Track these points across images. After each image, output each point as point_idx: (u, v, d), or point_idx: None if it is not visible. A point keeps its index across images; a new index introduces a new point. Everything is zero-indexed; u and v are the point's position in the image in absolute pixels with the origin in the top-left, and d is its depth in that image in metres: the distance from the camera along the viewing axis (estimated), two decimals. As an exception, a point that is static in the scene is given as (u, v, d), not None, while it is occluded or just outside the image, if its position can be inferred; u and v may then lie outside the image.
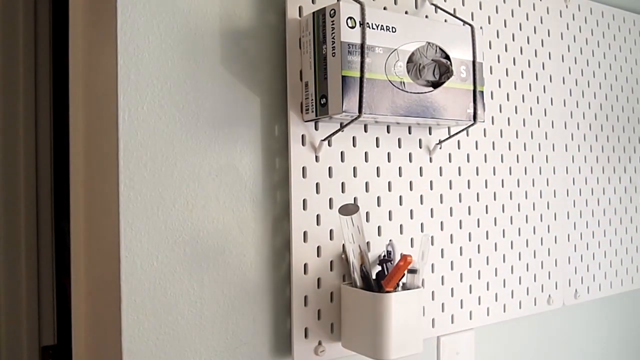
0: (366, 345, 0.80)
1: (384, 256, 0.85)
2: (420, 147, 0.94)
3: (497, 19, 1.06)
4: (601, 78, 1.24)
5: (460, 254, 0.99)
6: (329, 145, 0.84)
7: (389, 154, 0.91)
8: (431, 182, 0.95)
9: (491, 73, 1.04)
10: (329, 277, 0.84)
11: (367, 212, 0.88)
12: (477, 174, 1.02)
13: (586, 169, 1.20)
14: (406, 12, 0.93)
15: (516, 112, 1.08)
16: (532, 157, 1.10)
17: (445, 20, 0.96)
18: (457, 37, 0.86)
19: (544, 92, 1.13)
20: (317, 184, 0.83)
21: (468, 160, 1.00)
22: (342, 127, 0.83)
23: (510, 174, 1.07)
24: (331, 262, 0.84)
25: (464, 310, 0.99)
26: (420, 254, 0.83)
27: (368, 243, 0.87)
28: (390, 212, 0.90)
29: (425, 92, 0.82)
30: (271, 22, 0.81)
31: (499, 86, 1.05)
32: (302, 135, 0.82)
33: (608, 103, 1.26)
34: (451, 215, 0.98)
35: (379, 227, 0.89)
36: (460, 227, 0.99)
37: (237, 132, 0.78)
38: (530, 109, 1.10)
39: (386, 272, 0.81)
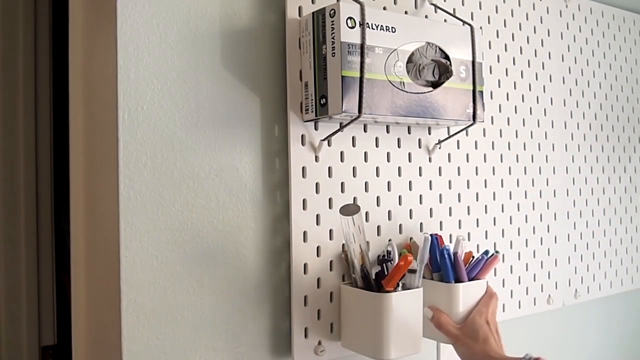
0: (366, 345, 0.80)
1: (384, 256, 0.85)
2: (420, 147, 0.94)
3: (497, 19, 1.06)
4: (601, 78, 1.24)
5: (460, 254, 0.99)
6: (329, 145, 0.85)
7: (388, 153, 0.91)
8: (430, 182, 0.95)
9: (491, 73, 1.04)
10: (329, 277, 0.84)
11: (366, 212, 0.88)
12: (477, 174, 1.02)
13: (586, 169, 1.20)
14: (406, 12, 0.93)
15: (516, 112, 1.08)
16: (532, 157, 1.10)
17: (445, 20, 0.96)
18: (457, 37, 0.86)
19: (544, 92, 1.13)
20: (316, 184, 0.83)
21: (467, 160, 1.00)
22: (342, 127, 0.83)
23: (509, 173, 1.07)
24: (331, 262, 0.84)
25: (463, 310, 0.99)
26: (420, 254, 0.83)
27: (368, 243, 0.87)
28: (389, 212, 0.90)
29: (425, 92, 0.82)
30: (271, 22, 0.81)
31: (499, 86, 1.05)
32: (302, 135, 0.82)
33: (608, 103, 1.26)
34: (450, 215, 0.98)
35: (378, 227, 0.89)
36: (460, 227, 0.99)
37: (237, 132, 0.78)
38: (530, 108, 1.10)
39: (386, 272, 0.80)
